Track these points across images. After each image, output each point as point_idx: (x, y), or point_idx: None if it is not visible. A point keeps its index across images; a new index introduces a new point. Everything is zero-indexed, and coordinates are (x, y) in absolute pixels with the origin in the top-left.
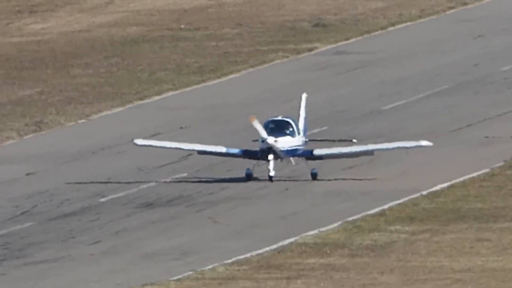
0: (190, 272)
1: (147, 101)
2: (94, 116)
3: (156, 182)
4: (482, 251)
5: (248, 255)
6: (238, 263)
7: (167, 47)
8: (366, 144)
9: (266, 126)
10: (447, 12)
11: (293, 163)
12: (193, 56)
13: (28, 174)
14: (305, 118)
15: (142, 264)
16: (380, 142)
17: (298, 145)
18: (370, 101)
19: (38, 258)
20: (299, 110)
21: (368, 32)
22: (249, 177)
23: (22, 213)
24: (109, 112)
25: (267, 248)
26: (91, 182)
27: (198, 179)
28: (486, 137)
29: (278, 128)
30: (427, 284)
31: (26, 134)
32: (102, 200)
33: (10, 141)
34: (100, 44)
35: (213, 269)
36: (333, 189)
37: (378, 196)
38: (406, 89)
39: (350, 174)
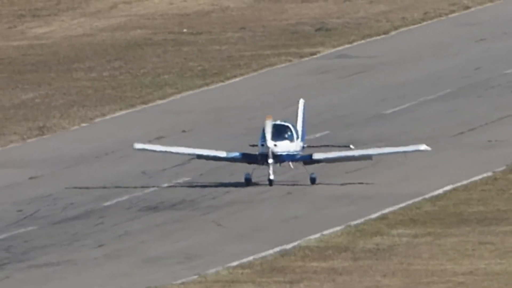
0: (194, 276)
1: (150, 104)
2: (97, 120)
3: (159, 186)
4: (484, 254)
5: (251, 258)
6: (242, 266)
7: (170, 51)
8: (366, 148)
9: (264, 131)
10: (450, 16)
11: (292, 167)
12: (196, 60)
13: (31, 178)
14: (303, 123)
15: (146, 268)
16: (381, 147)
17: (297, 150)
18: (373, 105)
19: (41, 262)
20: (296, 115)
21: (371, 36)
22: (248, 181)
23: (26, 217)
24: (112, 116)
25: (270, 252)
26: (95, 187)
27: (201, 183)
28: (489, 140)
29: (277, 132)
30: (429, 287)
31: (29, 138)
32: (105, 204)
33: (13, 145)
34: (103, 48)
35: (217, 272)
36: (336, 193)
37: (381, 200)
38: (408, 93)
39: (352, 178)
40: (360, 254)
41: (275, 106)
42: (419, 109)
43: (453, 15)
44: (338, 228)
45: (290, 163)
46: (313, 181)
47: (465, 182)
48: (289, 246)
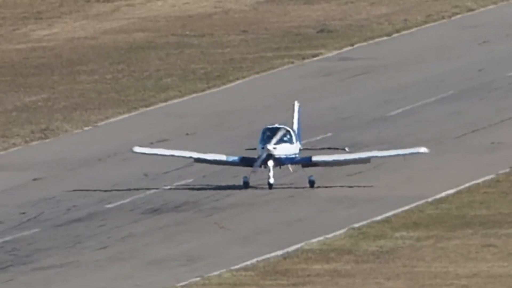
0: (197, 278)
1: (152, 107)
2: (100, 123)
3: (162, 188)
4: (487, 257)
5: (254, 261)
6: (245, 269)
7: (172, 54)
8: (367, 150)
9: (263, 134)
10: (452, 18)
11: (291, 170)
12: (198, 62)
13: (34, 181)
14: (299, 126)
15: (149, 270)
16: (383, 149)
17: (296, 153)
18: (375, 107)
19: (44, 264)
20: (292, 118)
21: (373, 38)
22: (246, 185)
23: (29, 219)
24: (115, 119)
25: (273, 254)
26: (98, 190)
27: (204, 185)
28: (492, 143)
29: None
30: None
31: (32, 141)
32: (108, 206)
33: (17, 148)
34: (106, 51)
35: (220, 275)
36: (339, 196)
37: (384, 203)
38: (411, 95)
39: (355, 181)
40: (363, 257)
41: (278, 108)
42: (422, 111)
43: (456, 17)
44: (341, 231)
45: (290, 166)
46: (312, 184)
47: (468, 184)
48: (292, 248)
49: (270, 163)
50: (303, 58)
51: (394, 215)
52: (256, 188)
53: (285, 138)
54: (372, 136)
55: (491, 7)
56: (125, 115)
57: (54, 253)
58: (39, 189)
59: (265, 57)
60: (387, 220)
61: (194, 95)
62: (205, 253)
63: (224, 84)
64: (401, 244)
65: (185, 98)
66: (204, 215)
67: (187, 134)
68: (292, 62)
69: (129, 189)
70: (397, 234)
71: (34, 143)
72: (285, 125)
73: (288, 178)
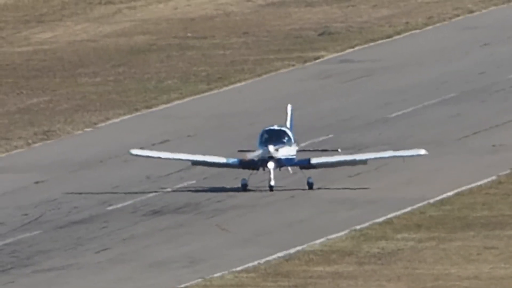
0: (199, 280)
1: (154, 109)
2: (102, 125)
3: (163, 190)
4: (489, 258)
5: (255, 263)
6: (246, 270)
7: (174, 56)
8: (365, 152)
9: (261, 136)
10: (453, 20)
11: (291, 172)
12: (200, 64)
13: (36, 183)
14: (291, 128)
15: (150, 272)
16: (384, 150)
17: (294, 154)
18: (376, 109)
19: (46, 266)
20: (285, 121)
21: (374, 40)
22: (244, 187)
23: (30, 221)
24: (116, 121)
25: (275, 256)
26: (99, 192)
27: (205, 187)
28: (493, 145)
29: (276, 137)
30: None
31: (34, 143)
32: (109, 208)
33: (18, 150)
34: (107, 53)
35: (221, 276)
36: (340, 197)
37: (385, 204)
38: (412, 97)
39: (356, 182)
40: (364, 258)
41: (279, 110)
42: (423, 113)
43: (457, 19)
44: (342, 233)
45: (289, 168)
46: (310, 185)
47: (469, 186)
48: (293, 250)
49: (271, 165)
50: (304, 61)
51: (395, 217)
52: (256, 190)
53: (284, 140)
54: (373, 138)
55: (492, 9)
56: (126, 117)
57: (56, 255)
58: (40, 191)
59: (266, 59)
60: (388, 222)
61: (195, 96)
62: (207, 255)
63: (225, 86)
64: (403, 245)
65: (186, 99)
66: (206, 217)
67: (189, 135)
68: (293, 65)
69: (131, 191)
70: (399, 236)
71: (35, 145)
72: (281, 126)
73: (288, 180)
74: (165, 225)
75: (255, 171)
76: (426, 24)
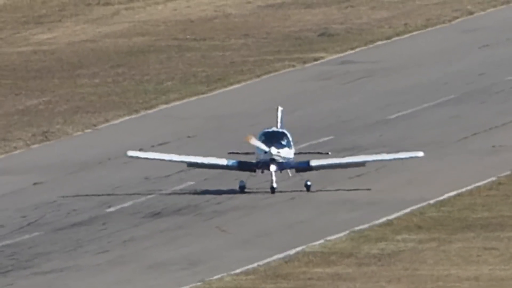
0: (198, 282)
1: (153, 110)
2: (101, 126)
3: (163, 192)
4: (489, 259)
5: (255, 264)
6: (246, 272)
7: (173, 57)
8: (365, 154)
9: (260, 138)
10: (452, 22)
11: (290, 174)
12: (199, 66)
13: (35, 184)
14: None
15: (150, 274)
16: (384, 152)
17: (292, 157)
18: (376, 111)
19: (45, 268)
20: (276, 123)
21: (374, 41)
22: (242, 189)
23: (30, 223)
24: (115, 122)
25: (274, 258)
26: (98, 193)
27: (205, 189)
28: (493, 146)
29: (275, 139)
30: None
31: (33, 144)
32: (109, 210)
33: (17, 151)
34: (107, 54)
35: (221, 278)
36: (340, 198)
37: (385, 205)
38: (412, 98)
39: (356, 184)
40: (364, 260)
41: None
42: (423, 114)
43: (456, 21)
44: (342, 234)
45: (289, 170)
46: (308, 188)
47: (469, 187)
48: (293, 252)
49: (273, 167)
50: (304, 62)
51: (395, 218)
52: (256, 192)
53: (283, 142)
54: (373, 139)
55: (491, 10)
56: (126, 118)
57: (55, 257)
58: (39, 192)
59: (266, 60)
60: (388, 223)
61: (195, 98)
62: (206, 257)
63: (224, 87)
64: (403, 247)
65: (185, 101)
66: (205, 219)
67: (188, 136)
68: (293, 66)
69: (130, 193)
70: (399, 237)
71: (35, 146)
72: (280, 128)
73: (287, 182)
74: (165, 226)
75: (253, 174)
76: (426, 26)
